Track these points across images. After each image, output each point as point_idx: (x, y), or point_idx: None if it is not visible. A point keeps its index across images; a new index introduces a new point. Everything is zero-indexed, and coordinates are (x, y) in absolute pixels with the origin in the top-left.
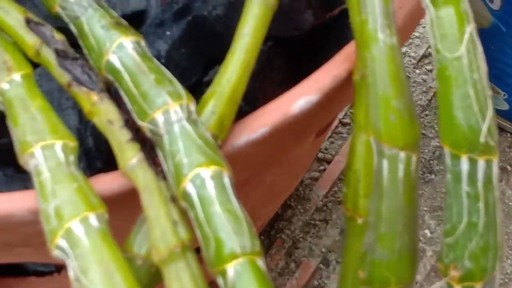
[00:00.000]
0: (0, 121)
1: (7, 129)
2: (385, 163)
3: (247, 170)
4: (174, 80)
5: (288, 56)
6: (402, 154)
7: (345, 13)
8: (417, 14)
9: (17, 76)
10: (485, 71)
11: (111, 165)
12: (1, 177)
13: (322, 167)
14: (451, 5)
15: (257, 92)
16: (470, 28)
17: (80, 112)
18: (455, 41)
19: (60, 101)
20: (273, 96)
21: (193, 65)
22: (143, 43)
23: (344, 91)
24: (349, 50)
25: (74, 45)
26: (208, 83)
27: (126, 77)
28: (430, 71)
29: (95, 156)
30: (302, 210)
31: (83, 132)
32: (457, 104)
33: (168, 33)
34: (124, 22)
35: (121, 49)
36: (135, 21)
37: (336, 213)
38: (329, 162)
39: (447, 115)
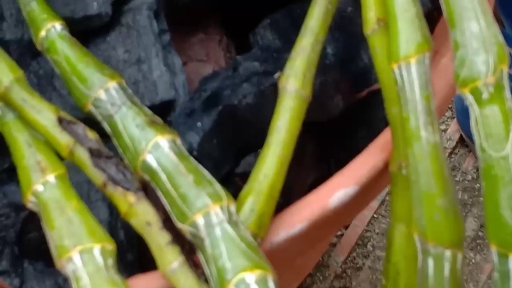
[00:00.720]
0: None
1: (38, 223)
2: (431, 262)
3: (283, 262)
4: (213, 180)
5: (318, 140)
6: (448, 253)
7: (372, 94)
8: (448, 100)
9: (51, 177)
10: None
11: (142, 257)
12: (31, 272)
13: (339, 232)
14: (496, 104)
15: (291, 182)
16: None
17: (110, 205)
18: (501, 140)
19: (90, 193)
20: (306, 184)
21: (225, 156)
22: (179, 141)
23: (380, 181)
24: (384, 139)
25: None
26: (241, 175)
27: (163, 177)
28: (444, 131)
29: (126, 248)
30: (321, 278)
31: (114, 225)
32: (504, 204)
33: (199, 124)
34: (158, 119)
35: (157, 149)
36: (164, 110)
37: (355, 279)
38: (346, 227)
39: (494, 214)
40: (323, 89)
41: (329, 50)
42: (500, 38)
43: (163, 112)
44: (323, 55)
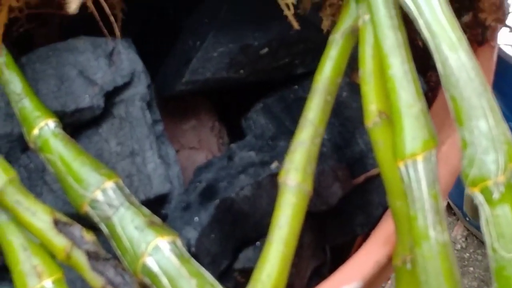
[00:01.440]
0: None
1: None
2: None
3: None
4: (216, 283)
5: (314, 228)
6: None
7: (368, 179)
8: (448, 188)
9: (48, 283)
10: None
11: None
12: None
13: None
14: (507, 203)
15: (292, 277)
16: None
17: None
18: None
19: None
20: (306, 277)
21: (223, 250)
22: (179, 241)
23: (383, 275)
24: (385, 231)
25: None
26: (240, 270)
27: (165, 281)
28: None
29: None
30: None
31: None
32: None
33: (196, 218)
34: (157, 219)
35: (157, 251)
36: (159, 203)
37: None
38: None
39: None
40: (321, 178)
41: (325, 136)
42: (509, 136)
43: (158, 206)
44: None
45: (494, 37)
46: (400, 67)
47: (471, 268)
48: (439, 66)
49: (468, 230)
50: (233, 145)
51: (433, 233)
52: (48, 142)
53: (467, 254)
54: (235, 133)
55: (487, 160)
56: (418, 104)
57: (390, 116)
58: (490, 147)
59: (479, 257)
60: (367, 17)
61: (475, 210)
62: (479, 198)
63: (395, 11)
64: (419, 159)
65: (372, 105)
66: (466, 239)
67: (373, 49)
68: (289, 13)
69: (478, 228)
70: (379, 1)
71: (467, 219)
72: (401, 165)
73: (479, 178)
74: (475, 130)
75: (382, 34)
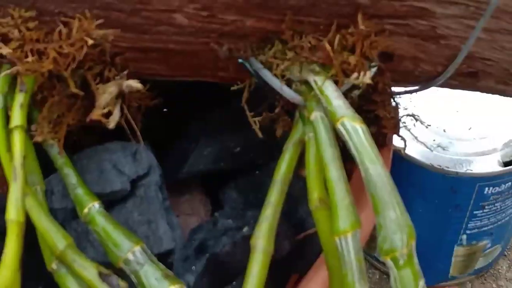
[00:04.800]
0: None
1: None
2: None
3: None
4: None
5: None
6: None
7: (306, 236)
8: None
9: None
10: None
11: None
12: None
13: None
14: (408, 268)
15: None
16: (422, 283)
17: None
18: None
19: None
20: None
21: None
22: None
23: None
24: (322, 278)
25: None
26: None
27: None
28: None
29: None
30: None
31: None
32: None
33: (193, 267)
34: (170, 272)
35: None
36: (167, 255)
37: None
38: None
39: None
40: (276, 238)
41: None
42: (410, 222)
43: (166, 257)
44: None
45: (390, 142)
46: (336, 172)
47: None
48: (362, 173)
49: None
50: (216, 214)
51: (359, 286)
52: (95, 218)
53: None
54: (216, 202)
55: (395, 238)
56: (348, 197)
57: (327, 203)
58: (397, 229)
59: (370, 275)
60: (311, 134)
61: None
62: (390, 264)
63: (332, 133)
64: (349, 235)
65: (314, 194)
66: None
67: (315, 157)
68: (256, 127)
69: (369, 255)
70: (321, 127)
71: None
72: (337, 239)
73: (390, 250)
74: (387, 218)
75: (323, 149)
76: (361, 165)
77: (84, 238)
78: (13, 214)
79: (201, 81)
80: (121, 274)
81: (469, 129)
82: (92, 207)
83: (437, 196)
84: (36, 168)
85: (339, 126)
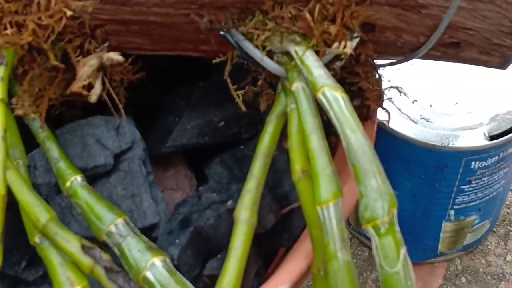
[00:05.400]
0: None
1: None
2: None
3: None
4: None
5: (255, 245)
6: None
7: (292, 210)
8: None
9: None
10: (414, 280)
11: None
12: None
13: None
14: (390, 235)
15: (243, 280)
16: (404, 251)
17: None
18: (394, 260)
19: None
20: (251, 277)
21: (195, 262)
22: (167, 259)
23: (304, 279)
24: (306, 248)
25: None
26: (207, 275)
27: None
28: None
29: None
30: None
31: None
32: None
33: (177, 241)
34: (153, 245)
35: (153, 267)
36: (151, 229)
37: None
38: None
39: None
40: (260, 211)
41: None
42: (391, 190)
43: (151, 231)
44: None
45: (374, 115)
46: (317, 142)
47: (354, 260)
48: (343, 143)
49: (351, 233)
50: (201, 188)
51: (340, 254)
52: (77, 191)
53: (351, 250)
54: (200, 176)
55: (376, 206)
56: (330, 167)
57: (310, 174)
58: (378, 198)
59: (360, 252)
60: (293, 106)
61: (358, 221)
62: (371, 232)
63: (313, 104)
64: (331, 204)
65: (297, 165)
66: (350, 239)
67: (297, 128)
68: (239, 100)
69: (359, 232)
70: (302, 97)
71: (351, 226)
72: (318, 208)
73: (371, 218)
74: (368, 186)
75: (304, 120)
76: (342, 134)
77: (68, 213)
78: None
79: (184, 55)
80: (105, 248)
81: (456, 103)
82: (75, 181)
83: (424, 171)
84: (18, 142)
85: (319, 95)
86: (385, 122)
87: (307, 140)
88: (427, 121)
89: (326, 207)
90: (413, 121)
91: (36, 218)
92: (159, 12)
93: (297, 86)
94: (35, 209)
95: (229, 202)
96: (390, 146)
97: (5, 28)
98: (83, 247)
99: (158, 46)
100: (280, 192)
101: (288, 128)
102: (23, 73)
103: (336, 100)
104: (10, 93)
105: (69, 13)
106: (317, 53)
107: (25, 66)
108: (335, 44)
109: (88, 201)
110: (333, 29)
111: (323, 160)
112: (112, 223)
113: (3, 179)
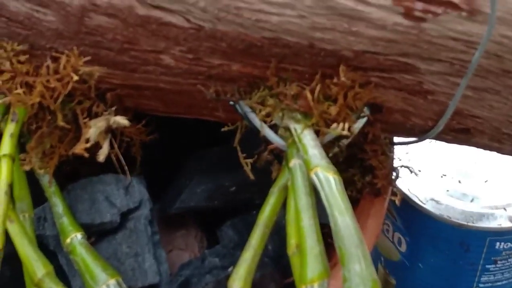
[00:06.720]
0: None
1: None
2: None
3: None
4: None
5: None
6: None
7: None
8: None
9: None
10: None
11: None
12: None
13: None
14: None
15: None
16: None
17: None
18: None
19: None
20: None
21: None
22: None
23: None
24: None
25: None
26: None
27: None
28: None
29: None
30: None
31: None
32: None
33: None
34: None
35: None
36: None
37: None
38: None
39: None
40: (262, 280)
41: (270, 247)
42: (375, 276)
43: None
44: (265, 250)
45: (385, 191)
46: (308, 221)
47: None
48: (331, 225)
49: None
50: (206, 251)
51: None
52: (76, 248)
53: None
54: (213, 237)
55: None
56: (318, 247)
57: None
58: (361, 283)
59: None
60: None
61: None
62: None
63: (308, 182)
64: (315, 285)
65: (292, 240)
66: None
67: (293, 204)
68: (247, 169)
69: None
70: (298, 174)
71: None
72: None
73: None
74: (352, 270)
75: (298, 197)
76: (331, 216)
77: (72, 266)
78: None
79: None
80: None
81: (485, 181)
82: (75, 237)
83: (448, 247)
84: (26, 196)
85: (312, 175)
86: (396, 200)
87: (299, 217)
88: (454, 197)
89: (311, 287)
90: (439, 197)
91: (33, 272)
92: (168, 80)
93: (294, 163)
94: (33, 263)
95: (230, 269)
96: (414, 219)
97: (16, 88)
98: None
99: (173, 110)
100: (285, 261)
101: (287, 203)
102: (36, 129)
103: (328, 181)
104: (24, 147)
105: (75, 78)
106: (317, 132)
107: (38, 123)
108: (334, 125)
109: (85, 259)
110: (333, 109)
111: (311, 239)
112: (105, 283)
113: (1, 234)
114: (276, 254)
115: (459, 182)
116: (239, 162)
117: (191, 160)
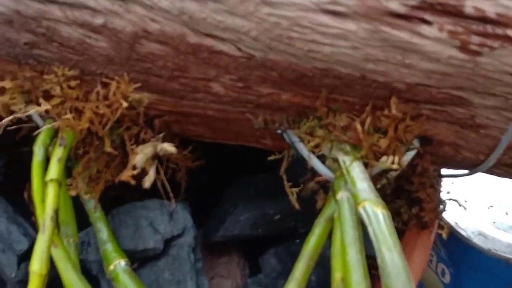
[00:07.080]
0: None
1: None
2: None
3: None
4: None
5: None
6: None
7: None
8: None
9: None
10: None
11: None
12: None
13: None
14: None
15: None
16: None
17: None
18: None
19: None
20: None
21: None
22: None
23: None
24: None
25: None
26: None
27: None
28: None
29: None
30: None
31: None
32: None
33: None
34: None
35: None
36: None
37: None
38: None
39: None
40: None
41: (313, 278)
42: None
43: None
44: (308, 281)
45: (432, 224)
46: (354, 256)
47: None
48: (379, 260)
49: None
50: (248, 280)
51: None
52: (119, 275)
53: None
54: (255, 265)
55: None
56: (364, 282)
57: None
58: None
59: None
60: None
61: None
62: None
63: (355, 216)
64: None
65: (337, 274)
66: None
67: (339, 237)
68: (293, 198)
69: None
70: (346, 207)
71: None
72: None
73: None
74: None
75: (345, 230)
76: (378, 251)
77: None
78: (36, 266)
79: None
80: None
81: None
82: (118, 264)
83: (495, 282)
84: (71, 221)
85: (360, 209)
86: (443, 233)
87: (345, 251)
88: (501, 230)
89: None
90: (485, 229)
91: None
92: (217, 107)
93: (342, 195)
94: None
95: None
96: (459, 251)
97: (66, 113)
98: None
99: (220, 136)
100: None
101: (332, 234)
102: (84, 154)
103: (376, 216)
104: (70, 171)
105: (125, 104)
106: (366, 164)
107: (85, 148)
108: (383, 158)
109: (127, 286)
110: (383, 142)
111: (357, 274)
112: None
113: (46, 259)
114: (320, 286)
115: (506, 214)
116: (284, 190)
117: (236, 186)
